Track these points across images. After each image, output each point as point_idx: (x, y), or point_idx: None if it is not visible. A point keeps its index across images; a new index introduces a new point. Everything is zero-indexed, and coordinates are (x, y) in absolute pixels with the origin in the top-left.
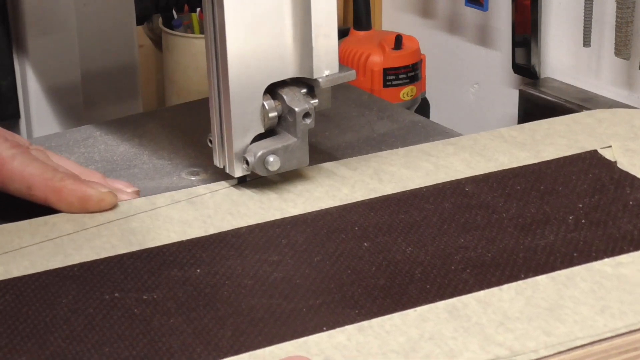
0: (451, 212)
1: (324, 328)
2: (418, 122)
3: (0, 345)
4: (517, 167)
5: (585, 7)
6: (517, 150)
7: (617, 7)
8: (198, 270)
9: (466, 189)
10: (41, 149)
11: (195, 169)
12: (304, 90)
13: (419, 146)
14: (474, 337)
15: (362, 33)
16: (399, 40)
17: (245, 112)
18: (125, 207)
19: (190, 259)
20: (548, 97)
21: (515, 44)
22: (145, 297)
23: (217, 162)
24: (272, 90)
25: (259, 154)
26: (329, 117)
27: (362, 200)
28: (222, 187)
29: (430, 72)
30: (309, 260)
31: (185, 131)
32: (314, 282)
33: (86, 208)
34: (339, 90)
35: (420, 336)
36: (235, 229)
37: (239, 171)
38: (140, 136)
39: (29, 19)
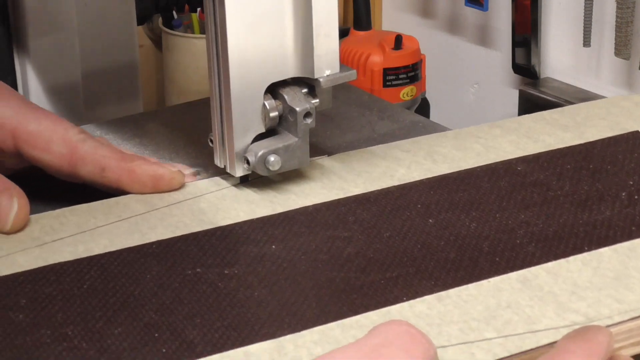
0: (507, 190)
1: (404, 298)
2: (418, 122)
3: (95, 317)
4: (564, 148)
5: (585, 7)
6: (561, 132)
7: (617, 7)
8: (273, 247)
9: (518, 169)
10: (102, 138)
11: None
12: (305, 90)
13: (465, 129)
14: (549, 306)
15: (362, 33)
16: (399, 40)
17: (246, 112)
18: (191, 188)
19: (263, 236)
20: (548, 97)
21: (515, 44)
22: (226, 271)
23: (218, 161)
24: (273, 90)
25: (260, 153)
26: (330, 117)
27: (421, 180)
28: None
29: (430, 72)
30: (379, 236)
31: (186, 131)
32: (387, 256)
33: (158, 187)
34: (340, 90)
35: (498, 305)
36: (303, 207)
37: (239, 171)
38: (141, 136)
39: (30, 19)
